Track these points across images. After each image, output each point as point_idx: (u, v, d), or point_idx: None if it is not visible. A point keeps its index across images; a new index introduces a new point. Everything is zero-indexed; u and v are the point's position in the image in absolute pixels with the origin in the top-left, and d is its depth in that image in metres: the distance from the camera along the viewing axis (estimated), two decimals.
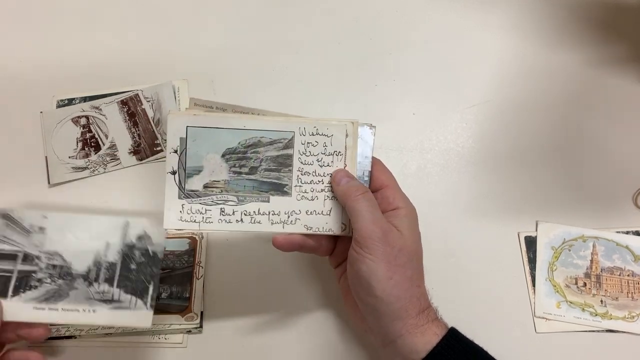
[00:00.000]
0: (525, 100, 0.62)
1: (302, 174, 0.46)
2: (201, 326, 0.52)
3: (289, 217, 0.45)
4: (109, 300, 0.47)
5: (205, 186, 0.45)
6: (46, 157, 0.60)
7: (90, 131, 0.61)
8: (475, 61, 0.65)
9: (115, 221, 0.48)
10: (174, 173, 0.44)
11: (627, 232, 0.55)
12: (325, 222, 0.46)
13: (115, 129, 0.61)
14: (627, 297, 0.53)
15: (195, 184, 0.45)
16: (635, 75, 0.63)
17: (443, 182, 0.59)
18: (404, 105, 0.63)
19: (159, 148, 0.60)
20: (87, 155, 0.60)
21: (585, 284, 0.53)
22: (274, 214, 0.45)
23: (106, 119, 0.62)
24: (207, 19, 0.69)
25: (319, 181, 0.46)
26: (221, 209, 0.45)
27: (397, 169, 0.59)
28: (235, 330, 0.52)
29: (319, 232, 0.45)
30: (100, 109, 0.62)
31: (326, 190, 0.46)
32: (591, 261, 0.54)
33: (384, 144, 0.60)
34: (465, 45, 0.66)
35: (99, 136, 0.61)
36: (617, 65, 0.64)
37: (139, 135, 0.61)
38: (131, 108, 0.62)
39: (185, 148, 0.44)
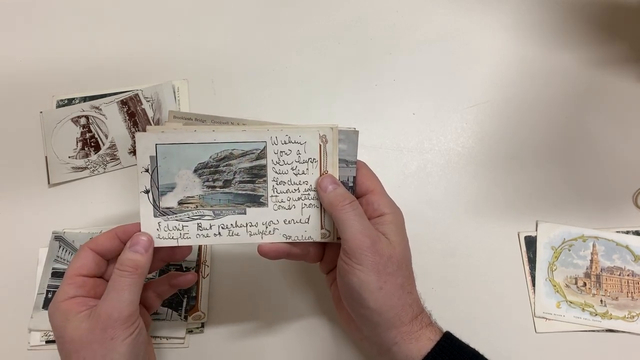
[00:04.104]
0: (525, 100, 0.62)
1: (277, 184, 0.45)
2: (203, 326, 0.52)
3: (266, 227, 0.45)
4: None
5: (180, 202, 0.44)
6: (46, 157, 0.60)
7: (90, 131, 0.61)
8: (475, 61, 0.65)
9: None
10: (147, 192, 0.44)
11: (627, 232, 0.55)
12: (304, 230, 0.45)
13: (115, 129, 0.61)
14: (627, 297, 0.53)
15: (169, 201, 0.44)
16: (635, 75, 0.63)
17: (443, 182, 0.59)
18: (404, 105, 0.63)
19: None
20: (87, 155, 0.60)
21: (585, 284, 0.53)
22: (252, 225, 0.45)
23: (106, 119, 0.62)
24: (208, 19, 0.69)
25: (295, 190, 0.45)
26: (198, 224, 0.45)
27: (397, 168, 0.59)
28: (236, 330, 0.52)
29: (298, 241, 0.45)
30: (100, 109, 0.62)
31: (303, 199, 0.45)
32: (591, 261, 0.54)
33: (384, 144, 0.60)
34: (465, 45, 0.66)
35: (98, 136, 0.61)
36: (617, 65, 0.64)
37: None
38: (131, 108, 0.62)
39: (157, 166, 0.44)
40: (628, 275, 0.53)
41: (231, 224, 0.45)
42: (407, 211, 0.46)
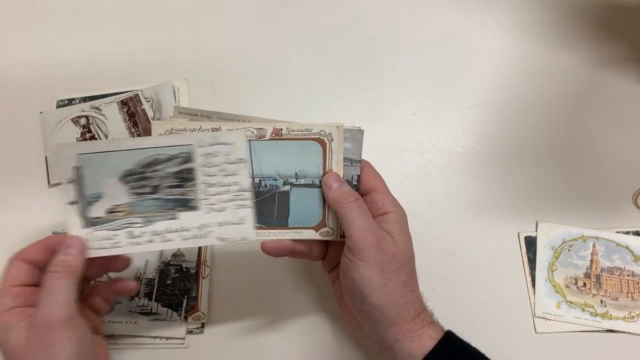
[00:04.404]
0: (525, 100, 0.62)
1: (207, 186, 0.44)
2: (203, 326, 0.52)
3: (200, 231, 0.44)
4: (147, 313, 0.53)
5: (109, 211, 0.44)
6: (46, 157, 0.60)
7: (90, 131, 0.61)
8: (475, 61, 0.65)
9: None
10: (73, 203, 0.43)
11: (627, 232, 0.55)
12: (238, 232, 0.45)
13: (115, 129, 0.61)
14: (627, 297, 0.53)
15: (97, 211, 0.44)
16: (635, 75, 0.63)
17: (443, 182, 0.59)
18: (404, 105, 0.63)
19: None
20: None
21: (585, 284, 0.53)
22: (184, 229, 0.44)
23: (106, 119, 0.62)
24: (208, 19, 0.69)
25: (225, 191, 0.45)
26: (128, 232, 0.44)
27: (397, 169, 0.59)
28: (236, 330, 0.52)
29: (233, 242, 0.45)
30: (100, 109, 0.62)
31: (235, 200, 0.45)
32: (591, 261, 0.54)
33: (384, 144, 0.60)
34: (465, 45, 0.66)
35: (98, 136, 0.61)
36: (617, 65, 0.64)
37: (138, 135, 0.61)
38: (131, 108, 0.62)
39: (81, 176, 0.43)
40: (628, 275, 0.53)
41: (163, 230, 0.44)
42: (407, 211, 0.46)
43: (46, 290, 0.40)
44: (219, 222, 0.45)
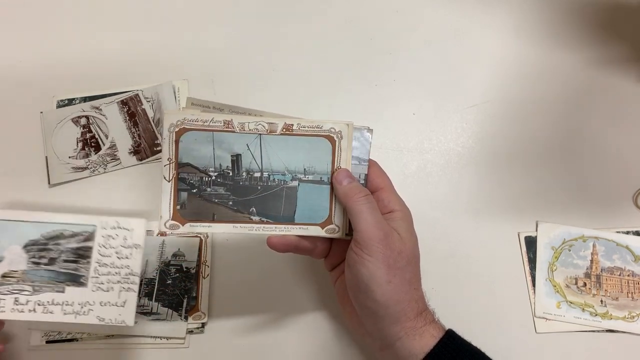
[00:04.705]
0: (525, 100, 0.62)
1: (99, 266, 0.47)
2: (203, 326, 0.52)
3: (82, 307, 0.46)
4: (148, 313, 0.53)
5: (3, 276, 0.46)
6: (46, 157, 0.60)
7: (90, 131, 0.61)
8: (475, 61, 0.65)
9: (154, 241, 0.55)
10: None
11: (627, 232, 0.55)
12: (119, 314, 0.46)
13: (116, 129, 0.61)
14: (627, 297, 0.53)
15: None
16: (635, 75, 0.63)
17: (443, 182, 0.59)
18: (404, 105, 0.63)
19: (159, 148, 0.60)
20: (87, 156, 0.60)
21: (585, 284, 0.53)
22: (67, 304, 0.46)
23: (106, 119, 0.62)
24: (208, 19, 0.69)
25: (116, 272, 0.47)
26: (15, 298, 0.46)
27: (397, 169, 0.59)
28: (236, 330, 0.52)
29: (110, 324, 0.46)
30: (101, 109, 0.62)
31: (122, 282, 0.47)
32: (591, 261, 0.54)
33: (384, 144, 0.60)
34: (465, 45, 0.66)
35: (99, 136, 0.61)
36: (617, 65, 0.64)
37: (139, 135, 0.61)
38: (131, 108, 0.62)
39: None
40: (628, 275, 0.53)
41: (47, 302, 0.46)
42: None
43: None
44: (101, 302, 0.47)
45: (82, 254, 0.47)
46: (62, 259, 0.47)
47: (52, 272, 0.47)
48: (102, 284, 0.47)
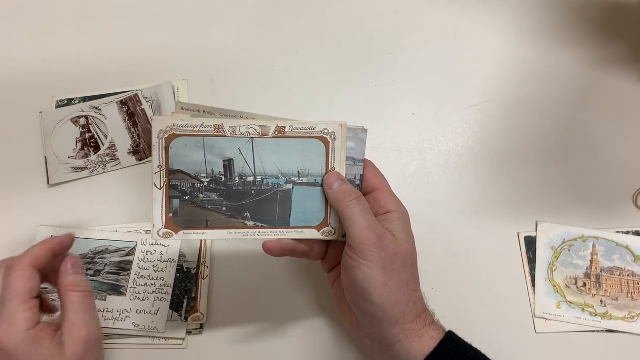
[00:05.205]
0: (525, 100, 0.62)
1: (138, 277, 0.53)
2: (202, 327, 0.52)
3: (120, 314, 0.51)
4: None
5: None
6: (45, 157, 0.60)
7: (89, 131, 0.61)
8: (475, 61, 0.65)
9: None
10: None
11: (627, 232, 0.55)
12: (152, 321, 0.51)
13: (115, 129, 0.61)
14: (627, 297, 0.53)
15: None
16: (635, 75, 0.63)
17: (443, 182, 0.59)
18: (404, 105, 0.63)
19: None
20: (86, 156, 0.60)
21: (585, 284, 0.53)
22: (108, 311, 0.51)
23: (105, 119, 0.62)
24: (208, 20, 0.69)
25: (152, 284, 0.53)
26: None
27: (397, 169, 0.59)
28: (235, 331, 0.52)
29: (144, 330, 0.51)
30: (100, 109, 0.62)
31: (157, 292, 0.52)
32: (591, 261, 0.54)
33: (384, 144, 0.60)
34: (465, 45, 0.66)
35: (98, 136, 0.61)
36: (617, 65, 0.64)
37: (138, 135, 0.61)
38: (131, 108, 0.62)
39: None
40: (628, 275, 0.53)
41: None
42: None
43: (82, 308, 0.41)
44: (137, 310, 0.52)
45: (123, 267, 0.53)
46: (106, 272, 0.53)
47: (96, 282, 0.53)
48: (139, 294, 0.52)
